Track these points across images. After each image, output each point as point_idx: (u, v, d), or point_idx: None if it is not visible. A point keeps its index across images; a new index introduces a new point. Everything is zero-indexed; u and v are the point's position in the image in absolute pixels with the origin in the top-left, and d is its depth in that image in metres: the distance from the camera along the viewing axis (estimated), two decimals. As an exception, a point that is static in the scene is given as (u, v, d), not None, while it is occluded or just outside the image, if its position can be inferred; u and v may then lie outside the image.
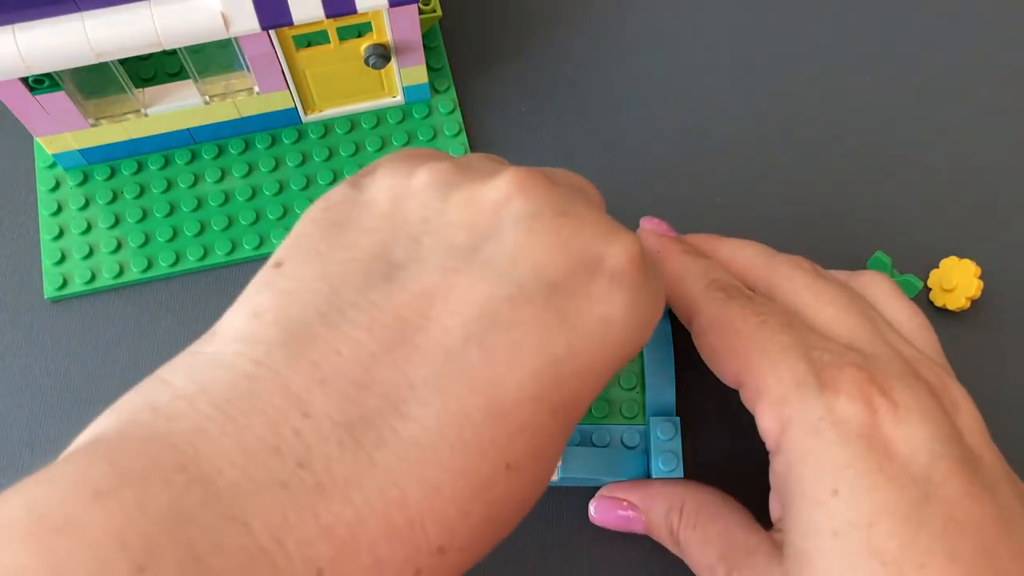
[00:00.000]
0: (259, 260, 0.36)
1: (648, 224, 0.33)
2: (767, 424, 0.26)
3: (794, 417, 0.25)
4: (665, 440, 0.31)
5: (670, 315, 0.33)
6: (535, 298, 0.20)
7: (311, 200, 0.37)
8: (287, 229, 0.36)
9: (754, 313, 0.27)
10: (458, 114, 0.38)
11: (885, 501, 0.24)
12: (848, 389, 0.25)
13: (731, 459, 0.32)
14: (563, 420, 0.20)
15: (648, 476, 0.31)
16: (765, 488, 0.28)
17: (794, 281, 0.29)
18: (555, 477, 0.30)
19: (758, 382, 0.26)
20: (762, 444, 0.27)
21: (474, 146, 0.38)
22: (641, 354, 0.33)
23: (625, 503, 0.31)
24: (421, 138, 0.38)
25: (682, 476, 0.30)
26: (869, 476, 0.24)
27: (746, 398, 0.27)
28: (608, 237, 0.21)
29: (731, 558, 0.27)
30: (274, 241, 0.36)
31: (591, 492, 0.32)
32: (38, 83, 0.32)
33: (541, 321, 0.20)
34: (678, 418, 0.31)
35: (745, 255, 0.31)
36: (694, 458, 0.33)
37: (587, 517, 0.32)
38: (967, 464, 0.25)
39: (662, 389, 0.32)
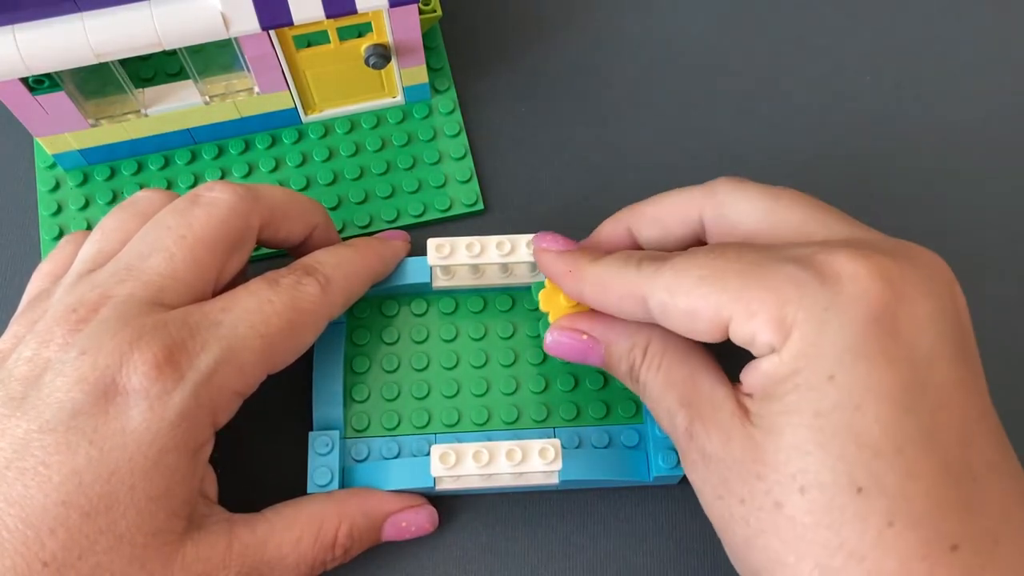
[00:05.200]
0: (257, 261, 0.36)
1: (544, 242, 0.30)
2: (770, 338, 0.24)
3: (799, 315, 0.24)
4: (664, 437, 0.31)
5: None
6: (58, 427, 0.25)
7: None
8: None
9: (705, 255, 0.26)
10: (458, 114, 0.38)
11: (879, 384, 0.23)
12: (848, 270, 0.24)
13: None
14: (102, 522, 0.24)
15: (649, 475, 0.31)
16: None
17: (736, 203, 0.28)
18: (555, 481, 0.30)
19: (749, 301, 0.24)
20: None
21: (474, 146, 0.38)
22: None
23: (584, 336, 0.29)
24: (421, 138, 0.38)
25: (683, 474, 0.30)
26: (870, 359, 0.23)
27: (738, 328, 0.25)
28: (123, 360, 0.25)
29: (695, 407, 0.26)
30: (274, 241, 0.36)
31: (591, 496, 0.32)
32: (38, 83, 0.32)
33: (63, 442, 0.25)
34: (678, 417, 0.31)
35: (670, 200, 0.30)
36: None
37: (588, 519, 0.32)
38: (962, 346, 0.24)
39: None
